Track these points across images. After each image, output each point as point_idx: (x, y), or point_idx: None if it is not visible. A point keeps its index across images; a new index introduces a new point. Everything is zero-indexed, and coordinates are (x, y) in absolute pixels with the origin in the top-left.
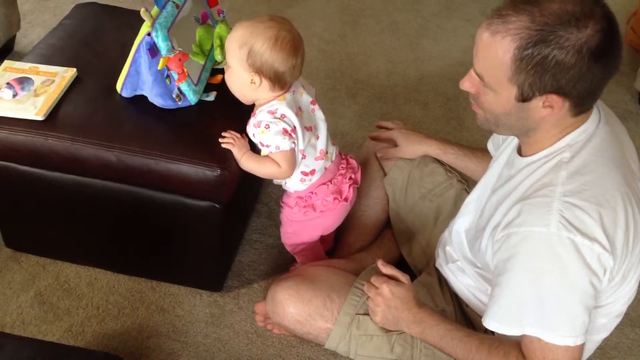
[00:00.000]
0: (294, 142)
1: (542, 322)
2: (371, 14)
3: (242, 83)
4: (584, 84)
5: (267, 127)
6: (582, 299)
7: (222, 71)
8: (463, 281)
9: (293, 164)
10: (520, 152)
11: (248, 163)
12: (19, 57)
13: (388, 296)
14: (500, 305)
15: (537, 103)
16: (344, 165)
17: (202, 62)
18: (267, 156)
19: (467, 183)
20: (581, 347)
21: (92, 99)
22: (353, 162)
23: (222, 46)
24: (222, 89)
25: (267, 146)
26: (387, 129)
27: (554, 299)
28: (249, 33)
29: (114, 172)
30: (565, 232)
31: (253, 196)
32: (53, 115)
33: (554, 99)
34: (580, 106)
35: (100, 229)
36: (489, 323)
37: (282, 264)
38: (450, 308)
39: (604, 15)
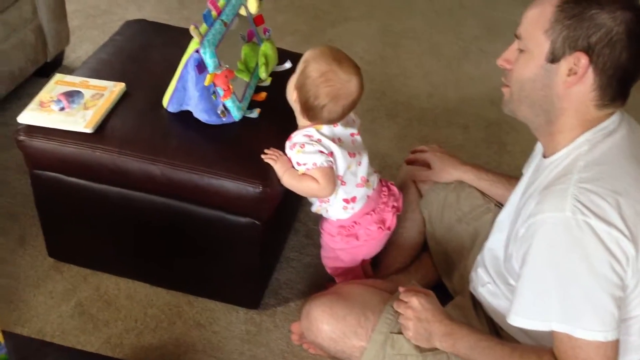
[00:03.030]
0: (331, 161)
1: (567, 315)
2: (412, 36)
3: (290, 91)
4: (612, 55)
5: (303, 146)
6: (607, 286)
7: (266, 89)
8: (496, 304)
9: (332, 181)
10: (544, 155)
11: (289, 180)
12: (68, 71)
13: (418, 308)
14: (524, 298)
15: (565, 67)
16: (385, 193)
17: (247, 79)
18: (306, 175)
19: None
20: (615, 345)
21: (139, 113)
22: (394, 189)
23: (267, 64)
24: (266, 106)
25: (304, 164)
26: (422, 152)
27: (576, 287)
28: (315, 55)
29: (158, 185)
30: (581, 215)
31: (292, 214)
32: (101, 128)
33: (581, 60)
34: (603, 90)
35: (141, 242)
36: (514, 319)
37: (319, 283)
38: (486, 331)
39: (638, 3)
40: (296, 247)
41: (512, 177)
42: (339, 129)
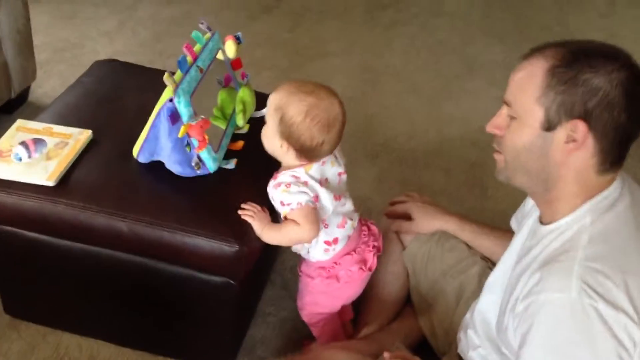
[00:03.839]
0: (314, 203)
1: None
2: (392, 73)
3: (272, 143)
4: (611, 118)
5: (288, 185)
6: None
7: (243, 137)
8: None
9: (315, 223)
10: (541, 220)
11: (269, 234)
12: (33, 107)
13: None
14: None
15: (561, 134)
16: (365, 232)
17: (223, 126)
18: (286, 220)
19: (491, 261)
20: None
21: (107, 163)
22: (374, 228)
23: (244, 111)
24: (243, 155)
25: (288, 204)
26: (401, 202)
27: None
28: (285, 98)
29: (125, 242)
30: (588, 298)
31: (268, 265)
32: (65, 180)
33: (580, 128)
34: (604, 155)
35: (105, 300)
36: None
37: (296, 340)
38: None
39: (631, 61)
40: (272, 300)
41: (497, 228)
42: (327, 168)
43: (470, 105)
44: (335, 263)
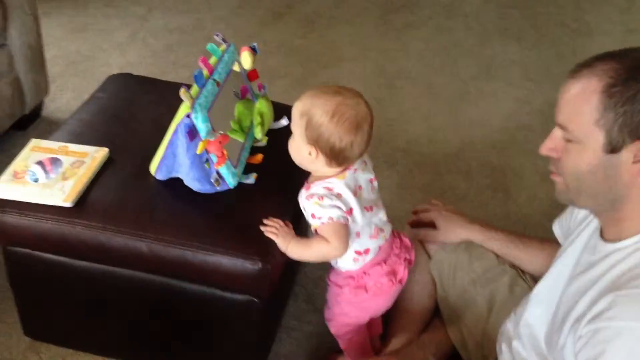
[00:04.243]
0: (347, 219)
1: None
2: (408, 77)
3: (300, 153)
4: None
5: (321, 198)
6: None
7: (262, 150)
8: None
9: (345, 239)
10: (602, 235)
11: (295, 251)
12: (47, 122)
13: None
14: None
15: (628, 155)
16: (397, 245)
17: (241, 140)
18: (315, 237)
19: (520, 269)
20: None
21: (124, 182)
22: (406, 240)
23: (262, 124)
24: (263, 170)
25: (319, 218)
26: (425, 211)
27: None
28: (310, 103)
29: (146, 262)
30: None
31: (291, 279)
32: (82, 200)
33: None
34: None
35: (127, 321)
36: None
37: (322, 356)
38: None
39: None
40: (296, 315)
41: (524, 235)
42: (359, 175)
43: (489, 108)
44: (365, 273)
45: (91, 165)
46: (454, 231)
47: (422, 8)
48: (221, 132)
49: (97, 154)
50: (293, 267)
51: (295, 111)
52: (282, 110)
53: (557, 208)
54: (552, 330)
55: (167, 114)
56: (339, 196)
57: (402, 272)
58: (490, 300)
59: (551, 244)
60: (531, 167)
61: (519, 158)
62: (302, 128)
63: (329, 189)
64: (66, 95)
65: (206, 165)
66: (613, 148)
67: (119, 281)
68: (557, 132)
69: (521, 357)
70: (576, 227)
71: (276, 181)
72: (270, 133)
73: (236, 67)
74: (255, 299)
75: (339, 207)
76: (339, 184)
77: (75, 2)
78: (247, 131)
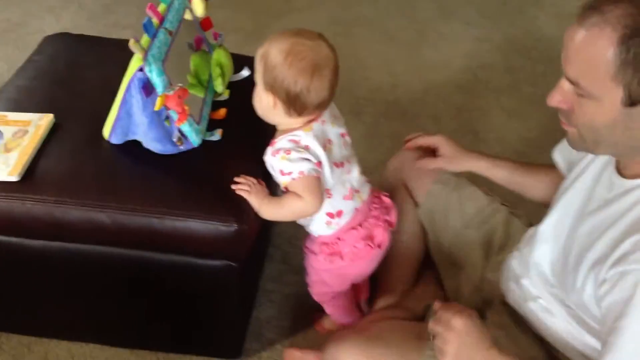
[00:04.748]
0: (319, 172)
1: None
2: (364, 23)
3: (261, 103)
4: None
5: (288, 152)
6: None
7: (224, 104)
8: (551, 322)
9: (319, 194)
10: (619, 170)
11: (269, 209)
12: None
13: (462, 331)
14: (619, 357)
15: None
16: (376, 205)
17: (201, 95)
18: (287, 193)
19: (512, 205)
20: None
21: (76, 149)
22: (387, 200)
23: (223, 75)
24: (228, 125)
25: (289, 173)
26: (423, 137)
27: None
28: (268, 44)
29: (109, 235)
30: None
31: (266, 240)
32: (30, 173)
33: None
34: None
35: (93, 300)
36: None
37: (305, 316)
38: (539, 354)
39: None
40: (273, 277)
41: (530, 163)
42: (328, 128)
43: (449, 49)
44: (339, 239)
45: (36, 134)
46: (460, 160)
47: None
48: (180, 84)
49: (41, 122)
50: (267, 226)
51: (256, 56)
52: (241, 60)
53: (529, 145)
54: (566, 270)
55: (115, 72)
56: (306, 148)
57: (382, 236)
58: (487, 243)
59: (555, 170)
60: (497, 105)
61: (484, 97)
62: (261, 73)
63: (295, 142)
64: None
65: (166, 123)
66: (633, 101)
67: (81, 258)
68: (565, 84)
69: (532, 294)
70: (581, 158)
71: (244, 136)
72: (232, 86)
73: (187, 16)
74: (232, 263)
75: (308, 160)
76: (305, 136)
77: None
78: (206, 85)
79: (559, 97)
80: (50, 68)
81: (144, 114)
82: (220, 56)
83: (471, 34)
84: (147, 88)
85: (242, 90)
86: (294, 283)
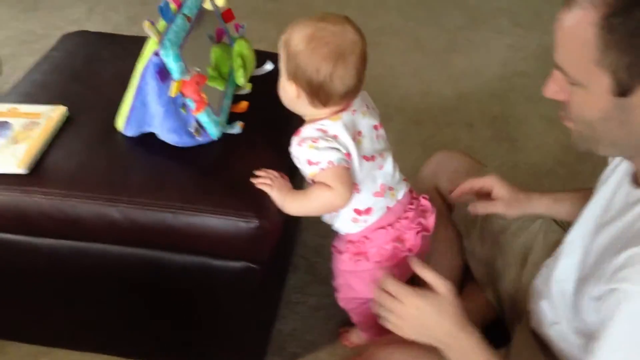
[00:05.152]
0: (348, 162)
1: None
2: (392, 32)
3: (286, 92)
4: None
5: (316, 140)
6: None
7: (246, 98)
8: (568, 351)
9: (350, 185)
10: (636, 179)
11: (294, 204)
12: None
13: (414, 314)
14: None
15: None
16: (412, 207)
17: (221, 88)
18: (314, 185)
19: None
20: None
21: (88, 142)
22: (426, 202)
23: (244, 67)
24: (249, 118)
25: (316, 163)
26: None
27: None
28: (290, 30)
29: (121, 232)
30: None
31: (290, 247)
32: (39, 166)
33: None
34: None
35: (106, 306)
36: None
37: (332, 330)
38: None
39: None
40: (298, 287)
41: (589, 188)
42: (358, 118)
43: (481, 57)
44: (366, 237)
45: (47, 126)
46: (520, 201)
47: None
48: (197, 69)
49: (53, 114)
50: (291, 232)
51: (280, 43)
52: (265, 56)
53: (570, 154)
54: (578, 288)
55: (131, 68)
56: (334, 137)
57: (413, 240)
58: (525, 251)
59: None
60: (535, 113)
61: (521, 105)
62: (284, 61)
63: (323, 131)
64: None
65: (182, 111)
66: (622, 90)
67: (92, 259)
68: (557, 73)
69: (549, 319)
70: (612, 170)
71: (267, 129)
72: (254, 80)
73: (207, 5)
74: (253, 266)
75: (337, 149)
76: (333, 125)
77: None
78: (227, 78)
79: (555, 87)
80: (67, 63)
81: (159, 102)
82: (242, 47)
83: (504, 42)
84: (163, 73)
85: (266, 84)
86: (320, 294)
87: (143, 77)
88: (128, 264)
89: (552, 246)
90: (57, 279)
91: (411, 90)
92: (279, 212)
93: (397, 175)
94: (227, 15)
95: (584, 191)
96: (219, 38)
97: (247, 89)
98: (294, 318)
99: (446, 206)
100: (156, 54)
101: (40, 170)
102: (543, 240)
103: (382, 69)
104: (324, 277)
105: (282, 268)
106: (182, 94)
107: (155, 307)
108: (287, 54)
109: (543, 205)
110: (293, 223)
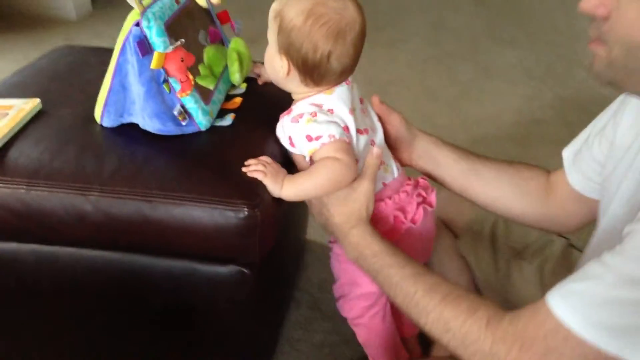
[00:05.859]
0: (348, 136)
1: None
2: (401, 84)
3: (273, 65)
4: None
5: (314, 114)
6: None
7: (240, 96)
8: None
9: (354, 157)
10: None
11: (294, 187)
12: None
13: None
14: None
15: None
16: (410, 184)
17: (211, 86)
18: (318, 161)
19: (571, 238)
20: None
21: (61, 133)
22: (423, 181)
23: (241, 62)
24: (243, 112)
25: (317, 138)
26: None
27: None
28: (285, 1)
29: (92, 228)
30: None
31: (292, 275)
32: (1, 155)
33: None
34: None
35: (77, 319)
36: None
37: None
38: None
39: None
40: (300, 323)
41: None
42: (355, 92)
43: (495, 105)
44: None
45: (16, 116)
46: (411, 134)
47: (407, 26)
48: (182, 40)
49: (25, 105)
50: (291, 254)
51: (270, 11)
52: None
53: None
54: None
55: None
56: (330, 112)
57: (415, 211)
58: (541, 277)
59: (544, 175)
60: (556, 154)
61: (541, 148)
62: (275, 33)
63: (318, 105)
64: None
65: (166, 89)
66: None
67: (59, 265)
68: None
69: None
70: (623, 152)
71: (261, 118)
72: (250, 80)
73: (201, 2)
74: (245, 270)
75: (336, 123)
76: (328, 99)
77: (31, 38)
78: (219, 76)
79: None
80: (50, 68)
81: (140, 80)
82: (238, 45)
83: (518, 92)
84: (143, 45)
85: (263, 85)
86: (325, 330)
87: (122, 53)
88: (101, 270)
89: (570, 268)
90: (21, 290)
91: None
92: (274, 202)
93: (387, 150)
94: (223, 17)
95: (486, 161)
96: (213, 39)
97: (242, 88)
98: (296, 355)
99: (451, 234)
100: (137, 24)
101: (2, 159)
102: (562, 265)
103: None
104: (330, 313)
105: (282, 299)
106: (166, 72)
107: (129, 321)
108: (279, 26)
109: (432, 140)
110: (294, 239)
